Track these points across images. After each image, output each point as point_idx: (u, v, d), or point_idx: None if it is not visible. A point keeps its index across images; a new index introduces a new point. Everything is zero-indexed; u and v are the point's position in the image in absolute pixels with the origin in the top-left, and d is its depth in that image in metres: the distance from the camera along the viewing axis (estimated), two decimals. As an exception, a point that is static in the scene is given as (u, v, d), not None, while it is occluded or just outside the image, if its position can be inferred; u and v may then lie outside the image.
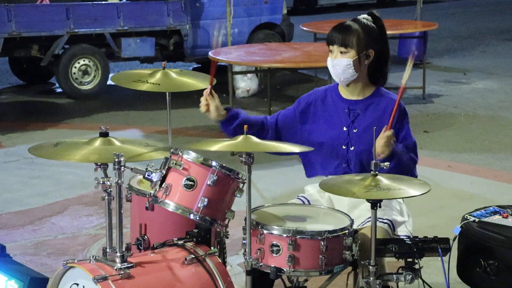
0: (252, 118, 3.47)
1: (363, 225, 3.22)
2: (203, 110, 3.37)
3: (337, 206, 3.35)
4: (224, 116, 3.37)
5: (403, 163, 3.21)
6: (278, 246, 2.88)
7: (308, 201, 3.42)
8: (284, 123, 3.48)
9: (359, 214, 3.29)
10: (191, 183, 2.99)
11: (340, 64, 3.30)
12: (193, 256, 2.94)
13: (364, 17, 3.37)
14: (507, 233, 3.16)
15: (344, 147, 3.33)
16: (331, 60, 3.33)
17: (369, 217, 3.18)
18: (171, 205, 3.00)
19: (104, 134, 2.99)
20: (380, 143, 3.08)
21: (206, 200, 2.98)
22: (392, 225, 3.27)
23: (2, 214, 5.64)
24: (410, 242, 2.98)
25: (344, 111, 3.37)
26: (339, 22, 3.38)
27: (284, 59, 7.66)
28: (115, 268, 2.76)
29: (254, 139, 2.93)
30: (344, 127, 3.35)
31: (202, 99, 3.36)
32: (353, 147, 3.31)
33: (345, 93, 3.41)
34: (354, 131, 3.33)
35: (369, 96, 3.37)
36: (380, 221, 3.21)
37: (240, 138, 2.93)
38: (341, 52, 3.29)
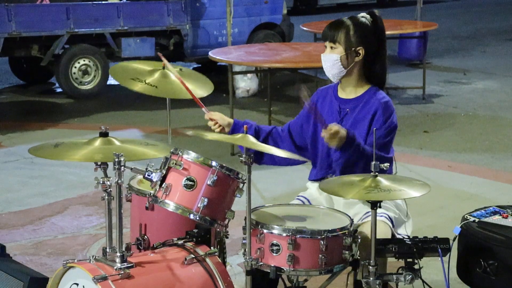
0: (261, 126, 3.50)
1: (362, 220, 3.22)
2: (217, 130, 3.43)
3: (336, 204, 3.36)
4: (230, 127, 3.42)
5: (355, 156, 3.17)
6: (278, 245, 2.89)
7: (307, 200, 3.43)
8: (296, 129, 3.49)
9: (357, 211, 3.29)
10: (191, 183, 2.99)
11: (329, 59, 3.34)
12: (193, 256, 2.94)
13: (362, 15, 3.38)
14: (507, 233, 3.16)
15: None
16: (323, 55, 3.39)
17: (367, 212, 3.19)
18: (171, 205, 3.00)
19: (104, 134, 2.99)
20: (325, 139, 3.09)
21: (206, 200, 2.99)
22: (391, 220, 3.27)
23: (2, 214, 5.64)
24: (410, 242, 2.98)
25: (336, 110, 3.39)
26: (335, 20, 3.40)
27: (284, 59, 7.66)
28: (115, 268, 2.76)
29: (253, 139, 2.94)
30: None
31: (210, 123, 3.44)
32: None
33: (341, 92, 3.43)
34: None
35: (360, 95, 3.37)
36: (379, 215, 3.20)
37: (239, 136, 2.94)
38: (331, 48, 3.33)
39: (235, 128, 3.42)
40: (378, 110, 3.29)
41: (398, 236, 3.23)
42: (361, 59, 3.32)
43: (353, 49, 3.30)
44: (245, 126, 3.01)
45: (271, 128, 3.53)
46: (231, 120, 3.47)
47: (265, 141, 3.44)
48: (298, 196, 3.49)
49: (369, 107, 3.31)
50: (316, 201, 3.41)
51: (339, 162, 3.22)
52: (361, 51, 3.31)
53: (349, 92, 3.39)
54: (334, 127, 3.07)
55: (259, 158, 3.45)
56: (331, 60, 3.32)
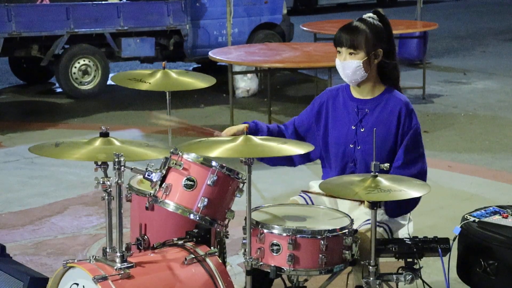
0: (270, 127, 3.47)
1: (359, 227, 3.22)
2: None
3: (340, 204, 3.36)
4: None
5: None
6: (278, 245, 2.88)
7: (310, 199, 3.42)
8: (302, 127, 3.48)
9: (357, 216, 3.29)
10: (191, 183, 2.99)
11: (350, 66, 3.29)
12: (193, 256, 2.94)
13: (370, 16, 3.36)
14: (507, 233, 3.16)
15: (351, 146, 3.33)
16: (341, 62, 3.32)
17: (367, 220, 3.19)
18: (171, 205, 3.00)
19: (104, 134, 2.99)
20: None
21: (206, 200, 2.99)
22: (389, 228, 3.27)
23: (2, 214, 5.64)
24: (410, 242, 2.98)
25: (354, 110, 3.37)
26: (346, 23, 3.37)
27: (284, 59, 7.66)
28: (115, 268, 2.76)
29: (255, 140, 2.92)
30: (353, 126, 3.35)
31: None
32: (360, 146, 3.31)
33: (355, 92, 3.41)
34: (361, 130, 3.33)
35: (379, 95, 3.37)
36: (377, 225, 3.20)
37: (240, 139, 2.92)
38: (350, 54, 3.29)
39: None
40: (402, 110, 3.30)
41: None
42: (380, 60, 3.32)
43: (373, 52, 3.29)
44: (245, 126, 2.99)
45: (277, 128, 3.48)
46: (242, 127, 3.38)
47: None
48: (300, 193, 3.48)
49: (392, 106, 3.31)
50: (319, 200, 3.41)
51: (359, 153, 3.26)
52: (380, 53, 3.31)
53: (366, 93, 3.38)
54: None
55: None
56: (353, 67, 3.28)
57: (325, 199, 3.41)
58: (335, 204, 3.38)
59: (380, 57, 3.31)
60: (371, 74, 3.33)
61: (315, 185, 3.49)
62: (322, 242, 2.87)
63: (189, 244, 3.04)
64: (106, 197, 2.84)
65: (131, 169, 2.95)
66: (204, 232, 3.07)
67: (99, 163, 2.85)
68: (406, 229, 3.38)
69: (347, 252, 2.94)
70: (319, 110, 3.46)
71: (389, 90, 3.38)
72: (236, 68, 9.07)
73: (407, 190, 2.83)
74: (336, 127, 3.39)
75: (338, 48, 3.33)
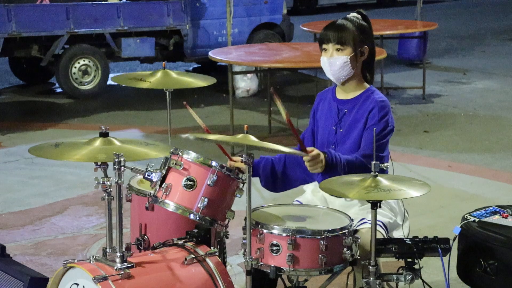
0: (276, 157, 3.43)
1: (356, 227, 3.21)
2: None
3: (330, 206, 3.35)
4: None
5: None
6: (278, 245, 2.88)
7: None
8: (307, 138, 3.48)
9: (352, 216, 3.28)
10: (191, 183, 2.99)
11: (336, 62, 3.30)
12: (193, 256, 2.94)
13: (354, 15, 3.40)
14: (507, 233, 3.16)
15: (332, 147, 3.34)
16: (328, 59, 3.33)
17: (362, 219, 3.19)
18: (171, 205, 3.00)
19: (104, 134, 2.99)
20: (307, 164, 3.09)
21: (206, 200, 2.99)
22: (385, 227, 3.27)
23: (2, 214, 5.65)
24: (410, 242, 2.98)
25: (335, 111, 3.39)
26: (330, 22, 3.40)
27: (284, 59, 7.65)
28: (115, 268, 2.76)
29: (254, 138, 2.92)
30: (333, 127, 3.37)
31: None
32: (338, 147, 3.32)
33: (339, 93, 3.43)
34: (340, 130, 3.34)
35: (359, 95, 3.37)
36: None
37: (240, 136, 2.92)
38: (337, 50, 3.30)
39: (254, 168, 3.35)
40: (374, 108, 3.29)
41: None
42: (365, 58, 3.34)
43: (359, 49, 3.31)
44: (245, 126, 3.00)
45: (284, 155, 3.44)
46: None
47: (284, 170, 3.38)
48: (294, 201, 3.49)
49: (367, 106, 3.31)
50: (311, 203, 3.40)
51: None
52: (366, 50, 3.33)
53: (349, 92, 3.39)
54: (314, 150, 3.08)
55: (273, 186, 3.42)
56: (340, 63, 3.29)
57: (315, 198, 3.39)
58: (326, 204, 3.36)
59: (366, 55, 3.34)
60: (356, 72, 3.34)
61: (307, 189, 3.50)
62: (322, 242, 2.87)
63: (189, 244, 3.04)
64: (106, 197, 2.85)
65: (131, 169, 2.95)
66: (204, 232, 3.07)
67: (99, 163, 2.85)
68: (402, 229, 3.37)
69: (347, 252, 2.94)
70: (314, 116, 3.49)
71: (371, 90, 3.38)
72: (236, 68, 9.07)
73: (407, 189, 2.83)
74: (320, 129, 3.41)
75: (324, 46, 3.35)
